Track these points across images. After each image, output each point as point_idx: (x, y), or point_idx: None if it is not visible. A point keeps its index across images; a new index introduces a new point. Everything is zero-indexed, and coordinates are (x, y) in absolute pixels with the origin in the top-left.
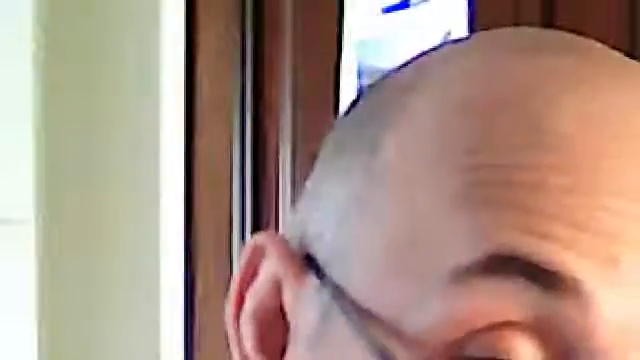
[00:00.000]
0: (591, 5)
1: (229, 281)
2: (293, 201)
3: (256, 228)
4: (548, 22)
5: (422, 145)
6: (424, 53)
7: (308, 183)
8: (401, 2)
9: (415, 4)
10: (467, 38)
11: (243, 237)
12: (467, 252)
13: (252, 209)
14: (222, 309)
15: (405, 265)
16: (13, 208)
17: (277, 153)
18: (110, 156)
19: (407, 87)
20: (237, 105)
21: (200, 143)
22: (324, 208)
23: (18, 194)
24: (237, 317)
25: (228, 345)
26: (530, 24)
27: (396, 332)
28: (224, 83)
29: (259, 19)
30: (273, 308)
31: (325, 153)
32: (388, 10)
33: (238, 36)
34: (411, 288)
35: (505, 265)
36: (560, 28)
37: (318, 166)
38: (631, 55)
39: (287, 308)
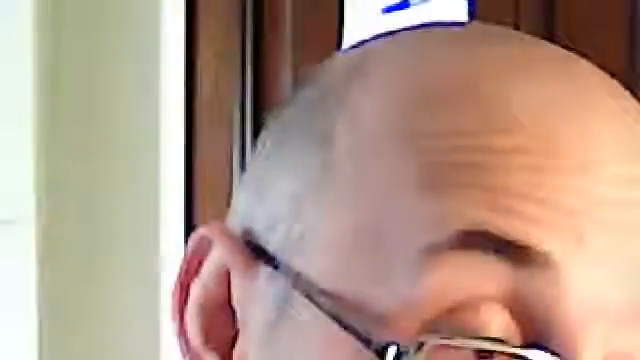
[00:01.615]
0: (591, 5)
1: None
2: None
3: None
4: (548, 22)
5: (377, 132)
6: (362, 42)
7: (247, 178)
8: (401, 2)
9: (415, 4)
10: (408, 29)
11: None
12: (437, 230)
13: None
14: None
15: (371, 248)
16: (13, 208)
17: None
18: (110, 156)
19: (353, 74)
20: (237, 105)
21: (200, 143)
22: (274, 202)
23: (18, 194)
24: (180, 311)
25: None
26: (530, 24)
27: (366, 311)
28: (224, 83)
29: (259, 19)
30: (219, 299)
31: (268, 147)
32: (388, 10)
33: (238, 36)
34: (379, 269)
35: (475, 241)
36: (560, 28)
37: (260, 160)
38: (631, 54)
39: (236, 298)
